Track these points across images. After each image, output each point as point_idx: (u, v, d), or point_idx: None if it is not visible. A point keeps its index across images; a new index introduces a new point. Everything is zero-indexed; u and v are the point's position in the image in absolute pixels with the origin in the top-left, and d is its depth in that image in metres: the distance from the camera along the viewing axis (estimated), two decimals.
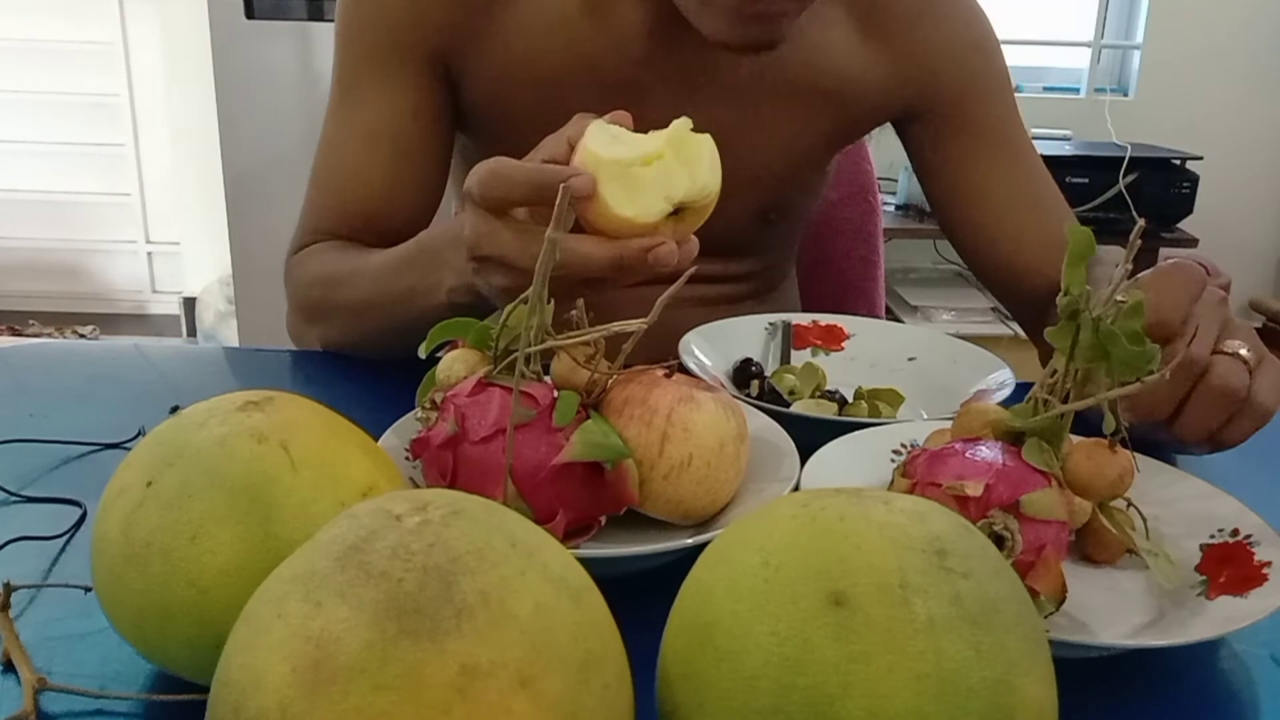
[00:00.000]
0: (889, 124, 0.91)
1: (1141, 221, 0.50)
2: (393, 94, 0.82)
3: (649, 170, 0.54)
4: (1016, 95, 0.91)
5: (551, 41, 0.80)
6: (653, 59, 0.81)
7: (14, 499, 0.58)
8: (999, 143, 0.88)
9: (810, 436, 0.58)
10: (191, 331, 3.06)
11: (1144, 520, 0.51)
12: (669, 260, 0.55)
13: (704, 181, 0.56)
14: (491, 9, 0.80)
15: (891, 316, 2.65)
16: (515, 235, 0.58)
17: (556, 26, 0.80)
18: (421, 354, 0.55)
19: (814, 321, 0.80)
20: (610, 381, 0.53)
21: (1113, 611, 0.50)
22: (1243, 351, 0.59)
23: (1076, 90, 3.04)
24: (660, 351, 0.68)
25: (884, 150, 0.95)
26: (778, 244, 0.98)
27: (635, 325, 0.48)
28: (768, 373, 0.74)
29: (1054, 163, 1.16)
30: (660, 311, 0.48)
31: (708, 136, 0.57)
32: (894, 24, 0.85)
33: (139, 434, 0.66)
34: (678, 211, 0.56)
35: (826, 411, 0.67)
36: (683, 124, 0.56)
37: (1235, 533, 0.52)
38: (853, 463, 0.57)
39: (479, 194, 0.57)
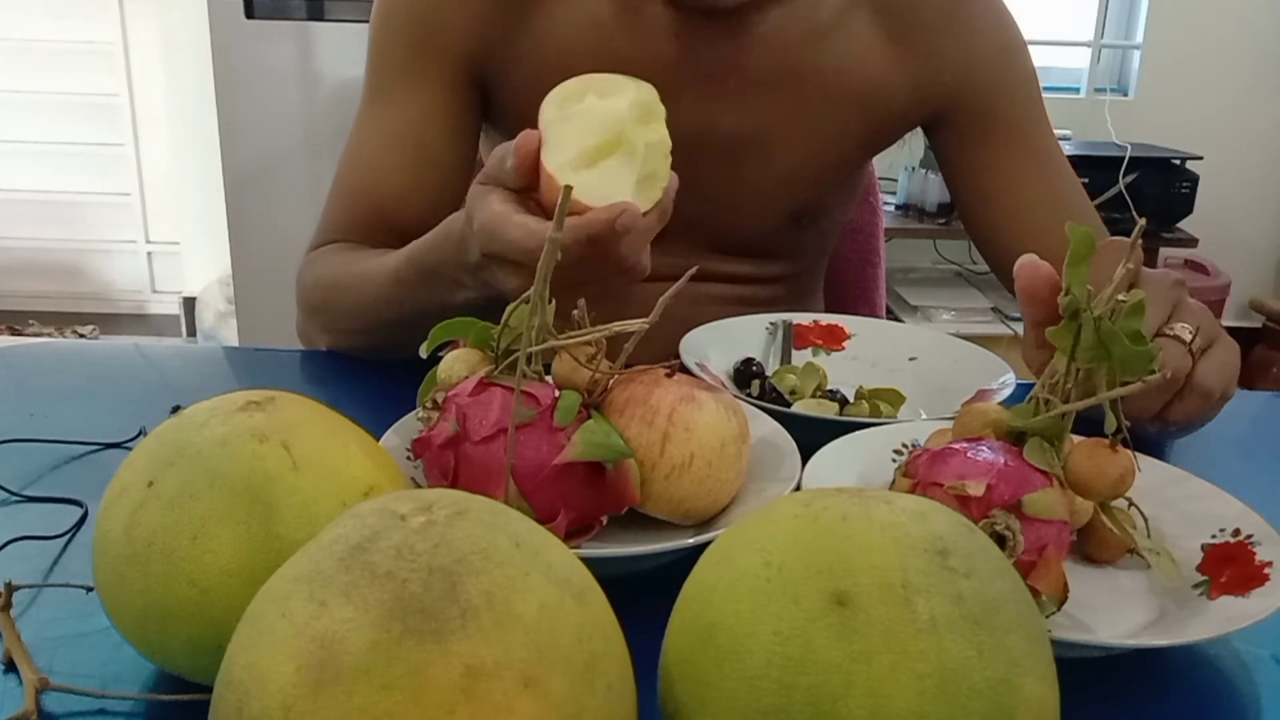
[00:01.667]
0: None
1: (1142, 221, 0.50)
2: (421, 97, 0.83)
3: (614, 160, 0.56)
4: None
5: (583, 44, 0.81)
6: (683, 61, 0.81)
7: (15, 499, 0.58)
8: (1026, 146, 0.88)
9: (811, 436, 0.58)
10: (191, 331, 3.06)
11: (1145, 520, 0.51)
12: (634, 222, 0.54)
13: (661, 135, 0.57)
14: (524, 14, 0.81)
15: (892, 316, 2.65)
16: (525, 235, 0.57)
17: (588, 29, 0.81)
18: (423, 354, 0.55)
19: (815, 321, 0.80)
20: (611, 381, 0.53)
21: (1114, 611, 0.50)
22: (1186, 335, 0.59)
23: (1076, 90, 3.04)
24: (668, 351, 0.68)
25: (884, 150, 0.96)
26: (810, 249, 0.98)
27: (636, 325, 0.48)
28: (769, 372, 0.74)
29: None
30: (661, 311, 0.48)
31: (650, 86, 0.58)
32: (922, 28, 0.85)
33: (140, 434, 0.66)
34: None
35: (827, 411, 0.67)
36: (636, 86, 0.58)
37: (1237, 533, 0.52)
38: (854, 462, 0.57)
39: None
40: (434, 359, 0.55)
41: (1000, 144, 0.88)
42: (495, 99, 0.86)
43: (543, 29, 0.81)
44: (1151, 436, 0.62)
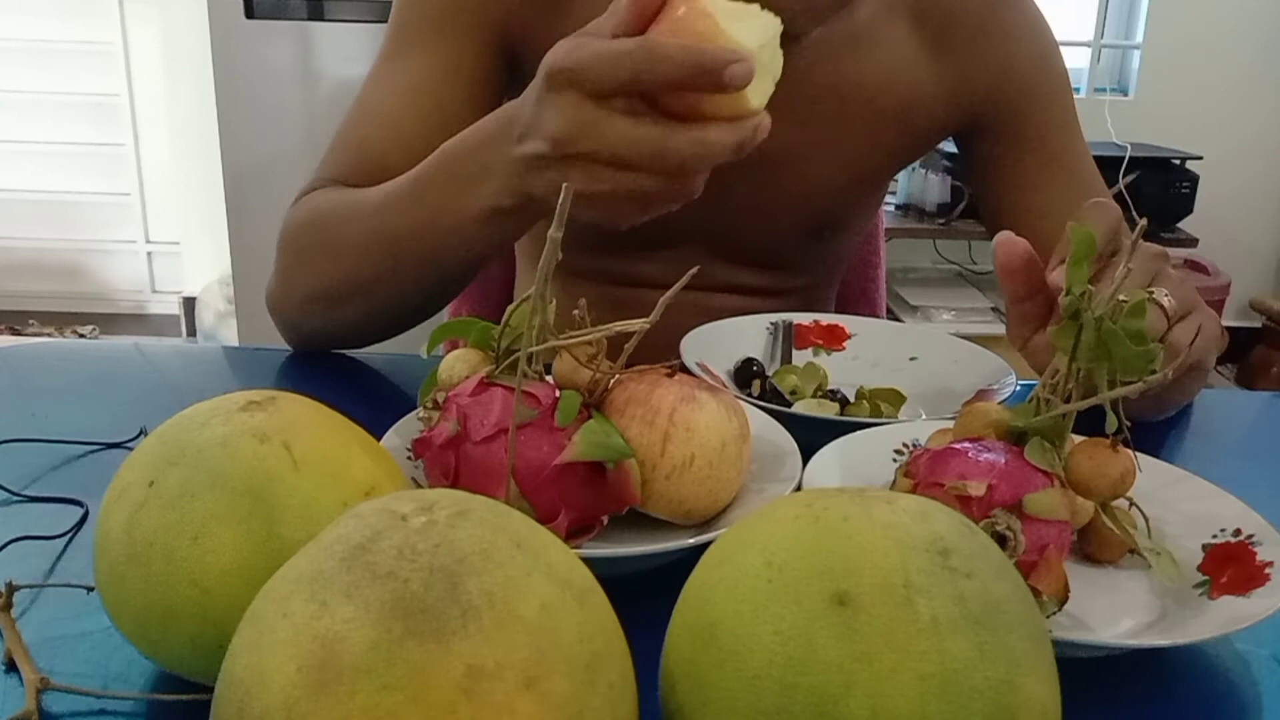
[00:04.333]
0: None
1: (1143, 221, 0.50)
2: (447, 55, 0.80)
3: (764, 53, 0.52)
4: None
5: None
6: None
7: (16, 499, 0.58)
8: (1057, 153, 0.87)
9: (812, 436, 0.58)
10: (191, 331, 3.06)
11: (1146, 520, 0.51)
12: (768, 130, 0.53)
13: (781, 57, 0.54)
14: (570, 1, 0.80)
15: (892, 316, 2.65)
16: (630, 125, 0.52)
17: None
18: (424, 354, 0.55)
19: (815, 321, 0.80)
20: (612, 381, 0.53)
21: (1115, 611, 0.50)
22: (1164, 300, 0.59)
23: (1076, 90, 3.03)
24: (670, 355, 0.67)
25: (914, 162, 0.95)
26: (826, 262, 0.97)
27: (637, 325, 0.48)
28: (769, 372, 0.74)
29: None
30: (663, 311, 0.48)
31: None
32: (961, 37, 0.84)
33: (140, 434, 0.66)
34: None
35: (828, 411, 0.67)
36: (767, 16, 0.54)
37: (1238, 533, 0.52)
38: (855, 462, 0.57)
39: (622, 73, 0.52)
40: (435, 358, 0.55)
41: (1032, 150, 0.87)
42: (524, 79, 0.83)
43: (584, 17, 0.79)
44: (1134, 416, 0.62)
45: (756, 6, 0.54)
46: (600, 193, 0.54)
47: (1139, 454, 0.50)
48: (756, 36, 0.52)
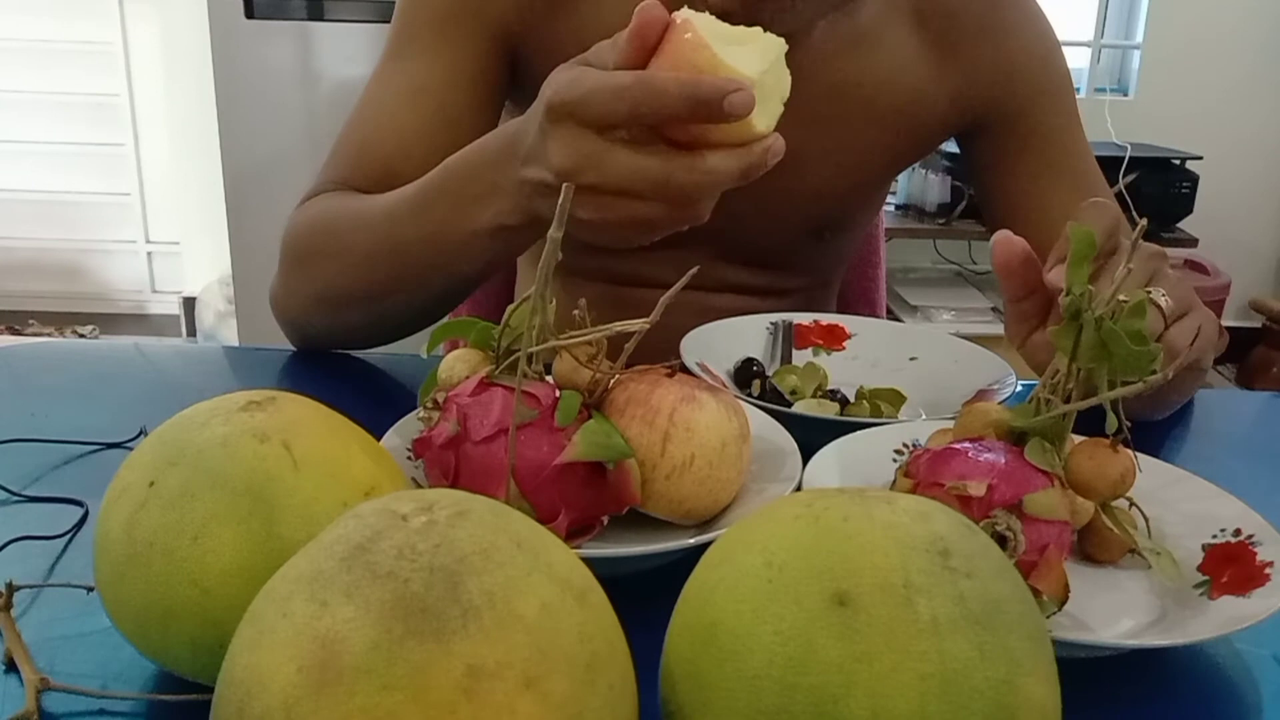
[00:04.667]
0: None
1: (1143, 221, 0.50)
2: (449, 57, 0.80)
3: (769, 76, 0.53)
4: None
5: None
6: None
7: (16, 499, 0.58)
8: (1059, 154, 0.87)
9: (812, 436, 0.58)
10: (191, 331, 3.06)
11: (1146, 520, 0.51)
12: (780, 153, 0.53)
13: (788, 76, 0.55)
14: (573, 2, 0.80)
15: (892, 316, 2.65)
16: (632, 158, 0.53)
17: None
18: (424, 354, 0.55)
19: (815, 321, 0.80)
20: (612, 381, 0.53)
21: (1115, 611, 0.50)
22: (1160, 299, 0.58)
23: (1077, 90, 3.03)
24: (670, 355, 0.67)
25: (916, 162, 0.95)
26: (827, 262, 0.97)
27: (637, 325, 0.48)
28: (769, 372, 0.74)
29: None
30: (663, 310, 0.48)
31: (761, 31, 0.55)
32: (964, 38, 0.84)
33: (140, 434, 0.66)
34: None
35: (828, 411, 0.67)
36: (770, 38, 0.54)
37: (1238, 533, 0.52)
38: (855, 463, 0.57)
39: (622, 108, 0.51)
40: (435, 358, 0.55)
41: (1033, 151, 0.87)
42: (526, 80, 0.83)
43: (589, 18, 0.79)
44: (1132, 416, 0.62)
45: (758, 30, 0.54)
46: (606, 220, 0.55)
47: (1139, 454, 0.50)
48: (758, 62, 0.52)
